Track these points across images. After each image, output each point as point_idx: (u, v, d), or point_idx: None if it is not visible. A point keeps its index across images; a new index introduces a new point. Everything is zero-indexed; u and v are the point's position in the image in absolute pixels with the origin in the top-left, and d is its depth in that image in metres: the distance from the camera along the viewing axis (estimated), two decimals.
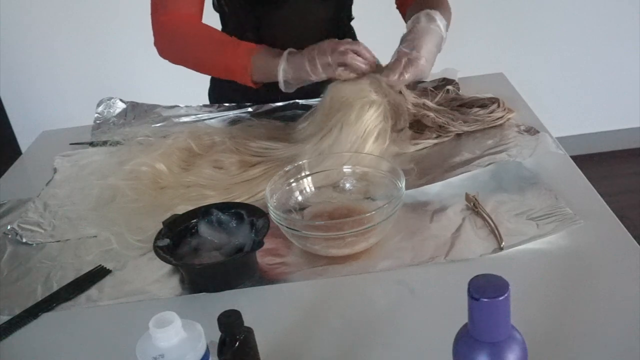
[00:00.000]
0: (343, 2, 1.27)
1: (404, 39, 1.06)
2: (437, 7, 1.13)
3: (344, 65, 1.02)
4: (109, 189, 1.02)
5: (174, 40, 1.17)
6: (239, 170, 1.03)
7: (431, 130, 1.09)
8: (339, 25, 1.28)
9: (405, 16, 1.21)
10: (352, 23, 1.33)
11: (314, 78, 1.04)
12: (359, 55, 1.03)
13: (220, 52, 1.12)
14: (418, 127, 1.09)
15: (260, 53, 1.09)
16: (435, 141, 1.07)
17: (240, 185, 0.99)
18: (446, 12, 1.16)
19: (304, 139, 1.06)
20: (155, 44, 1.18)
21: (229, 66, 1.11)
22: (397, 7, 1.29)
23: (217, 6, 1.25)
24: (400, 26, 1.25)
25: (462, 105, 1.15)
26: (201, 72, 1.21)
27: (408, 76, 1.01)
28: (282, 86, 1.08)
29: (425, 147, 1.07)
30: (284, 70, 1.06)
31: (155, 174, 1.02)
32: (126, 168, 1.05)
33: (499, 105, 1.12)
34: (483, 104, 1.14)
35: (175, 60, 1.19)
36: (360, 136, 0.99)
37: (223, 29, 1.28)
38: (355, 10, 1.32)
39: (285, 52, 1.06)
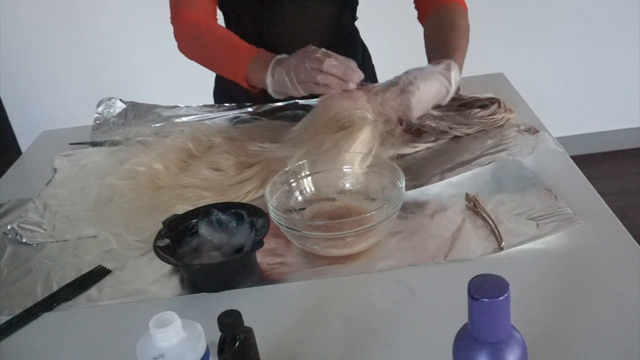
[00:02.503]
0: (345, 2, 1.27)
1: (413, 71, 1.03)
2: (458, 27, 1.13)
3: (317, 83, 1.00)
4: (107, 189, 1.02)
5: (191, 39, 1.19)
6: (235, 172, 1.02)
7: (431, 133, 1.08)
8: (342, 25, 1.28)
9: (425, 20, 1.20)
10: (357, 23, 1.33)
11: (295, 94, 1.04)
12: (330, 73, 0.99)
13: (227, 56, 1.15)
14: (417, 132, 1.09)
15: (254, 62, 1.09)
16: (434, 144, 1.07)
17: (236, 186, 0.99)
18: (466, 36, 1.15)
19: (296, 144, 1.04)
20: (177, 39, 1.20)
21: (232, 70, 1.13)
22: (415, 6, 1.26)
23: (219, 5, 1.26)
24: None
25: (463, 105, 1.15)
26: (214, 71, 1.26)
27: (399, 102, 1.00)
28: (273, 94, 1.08)
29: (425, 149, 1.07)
30: (270, 84, 1.06)
31: (153, 173, 1.02)
32: (124, 168, 1.04)
33: (499, 106, 1.12)
34: (483, 104, 1.14)
35: (191, 57, 1.21)
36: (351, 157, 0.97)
37: (227, 27, 1.28)
38: (360, 11, 1.31)
39: (271, 64, 1.05)
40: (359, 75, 1.01)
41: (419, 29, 1.23)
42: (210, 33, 1.18)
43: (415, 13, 1.25)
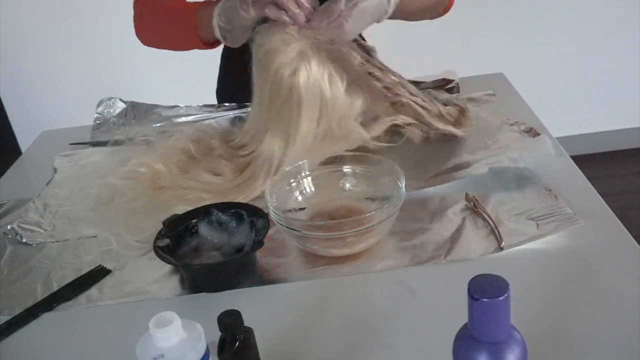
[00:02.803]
0: None
1: None
2: None
3: (274, 3, 0.95)
4: (107, 189, 1.02)
5: (144, 14, 1.16)
6: (233, 175, 1.02)
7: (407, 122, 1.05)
8: None
9: None
10: None
11: (243, 15, 0.97)
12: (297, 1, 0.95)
13: (175, 12, 1.10)
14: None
15: (205, 5, 1.04)
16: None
17: (234, 189, 0.99)
18: None
19: (264, 128, 1.01)
20: (134, 20, 1.18)
21: (182, 23, 1.08)
22: None
23: None
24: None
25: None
26: (167, 45, 1.19)
27: (324, 24, 0.96)
28: (217, 34, 1.03)
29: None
30: (218, 14, 1.00)
31: (154, 174, 1.02)
32: (125, 168, 1.04)
33: (462, 115, 1.09)
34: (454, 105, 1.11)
35: (144, 38, 1.18)
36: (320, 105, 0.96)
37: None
38: None
39: None
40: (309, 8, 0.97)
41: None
42: (163, 5, 1.13)
43: None
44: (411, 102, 1.04)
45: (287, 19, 0.96)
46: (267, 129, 1.00)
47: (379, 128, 1.04)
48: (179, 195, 0.97)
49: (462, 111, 1.10)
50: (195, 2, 1.09)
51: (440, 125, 1.05)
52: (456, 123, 1.07)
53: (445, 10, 1.22)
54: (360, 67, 1.01)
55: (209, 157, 1.08)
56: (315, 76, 0.95)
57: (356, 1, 0.96)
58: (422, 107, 1.04)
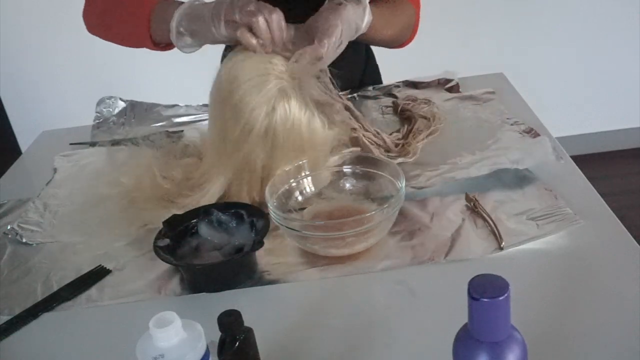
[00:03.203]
0: None
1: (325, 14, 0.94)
2: (398, 7, 1.09)
3: (250, 27, 0.88)
4: (106, 191, 1.02)
5: (97, 10, 1.09)
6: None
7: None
8: None
9: None
10: None
11: (213, 31, 0.90)
12: (268, 25, 0.88)
13: (129, 6, 1.02)
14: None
15: (163, 5, 0.97)
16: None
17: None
18: (401, 14, 1.10)
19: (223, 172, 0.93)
20: (83, 9, 1.12)
21: (133, 22, 1.00)
22: None
23: None
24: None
25: (407, 118, 1.15)
26: (113, 39, 1.10)
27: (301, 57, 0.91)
28: (173, 38, 0.95)
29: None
30: (179, 15, 0.93)
31: (151, 178, 1.00)
32: (123, 170, 1.03)
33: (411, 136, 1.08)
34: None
35: (92, 28, 1.11)
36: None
37: None
38: None
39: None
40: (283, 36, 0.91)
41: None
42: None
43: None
44: (364, 139, 1.01)
45: (258, 47, 0.90)
46: (227, 174, 0.93)
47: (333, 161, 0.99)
48: (170, 202, 0.95)
49: (434, 116, 1.12)
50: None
51: (376, 152, 1.01)
52: (401, 151, 1.04)
53: (407, 42, 1.23)
54: (324, 96, 0.96)
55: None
56: (295, 117, 0.89)
57: (339, 41, 0.93)
58: (371, 141, 1.02)
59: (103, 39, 1.12)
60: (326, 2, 1.00)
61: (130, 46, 1.09)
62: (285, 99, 0.89)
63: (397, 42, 1.20)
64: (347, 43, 0.95)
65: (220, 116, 0.93)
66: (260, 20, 0.87)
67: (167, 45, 1.03)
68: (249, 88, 0.88)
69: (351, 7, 0.96)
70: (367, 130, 1.03)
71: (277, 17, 0.89)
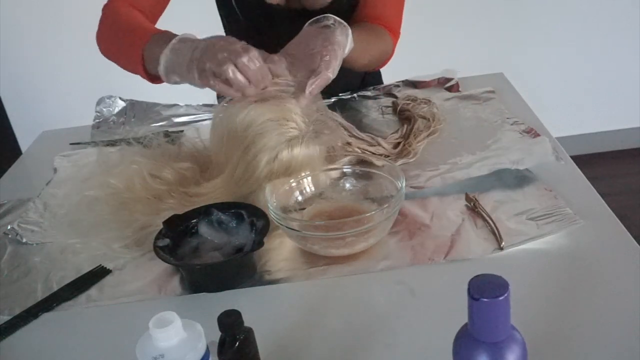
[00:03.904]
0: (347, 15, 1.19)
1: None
2: (376, 36, 1.11)
3: (223, 78, 0.86)
4: (105, 191, 1.01)
5: (105, 26, 1.09)
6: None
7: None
8: None
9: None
10: None
11: (191, 81, 0.90)
12: (242, 72, 0.85)
13: (127, 37, 1.02)
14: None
15: (154, 39, 0.96)
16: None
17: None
18: (375, 45, 1.12)
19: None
20: (96, 32, 1.12)
21: (129, 53, 1.00)
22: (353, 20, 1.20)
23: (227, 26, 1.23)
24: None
25: (407, 118, 1.15)
26: (118, 63, 1.08)
27: (314, 89, 0.91)
28: (163, 77, 0.95)
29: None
30: (164, 59, 0.92)
31: (151, 179, 1.00)
32: (121, 171, 1.03)
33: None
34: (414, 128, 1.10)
35: (102, 50, 1.11)
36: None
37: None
38: None
39: (174, 40, 0.92)
40: (269, 81, 0.90)
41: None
42: (124, 20, 1.04)
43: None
44: (360, 153, 1.00)
45: (235, 93, 0.88)
46: (229, 195, 0.93)
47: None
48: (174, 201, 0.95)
49: (433, 116, 1.12)
50: (156, 28, 1.02)
51: (377, 161, 0.99)
52: (402, 152, 1.04)
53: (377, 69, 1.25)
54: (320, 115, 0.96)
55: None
56: (296, 161, 0.89)
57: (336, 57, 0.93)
58: (367, 152, 1.01)
59: (112, 61, 1.12)
60: (306, 25, 1.00)
61: (131, 72, 1.07)
62: (290, 147, 0.88)
63: (367, 69, 1.23)
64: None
65: (232, 153, 0.92)
66: (230, 69, 0.84)
67: (160, 79, 1.01)
68: (260, 133, 0.88)
69: (339, 31, 0.97)
70: (360, 139, 1.03)
71: (248, 59, 0.85)
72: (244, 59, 0.85)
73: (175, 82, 0.95)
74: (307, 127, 0.91)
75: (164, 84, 1.00)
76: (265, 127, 0.88)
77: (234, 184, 0.92)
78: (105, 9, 1.11)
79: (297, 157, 0.89)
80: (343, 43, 0.96)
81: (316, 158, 0.92)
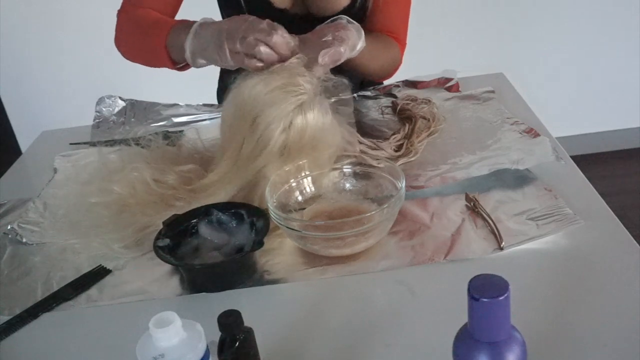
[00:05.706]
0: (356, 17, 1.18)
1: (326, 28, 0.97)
2: (385, 45, 1.13)
3: (253, 56, 0.90)
4: (104, 193, 1.01)
5: (125, 26, 1.13)
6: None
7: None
8: None
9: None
10: None
11: (220, 63, 0.93)
12: (273, 49, 0.89)
13: (151, 28, 1.06)
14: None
15: (176, 28, 1.00)
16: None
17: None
18: (385, 53, 1.14)
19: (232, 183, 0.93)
20: (115, 31, 1.16)
21: (153, 43, 1.04)
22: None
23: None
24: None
25: (407, 117, 1.15)
26: (141, 60, 1.13)
27: (327, 58, 0.92)
28: (190, 62, 0.99)
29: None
30: (190, 46, 0.96)
31: (150, 180, 1.00)
32: (122, 173, 1.03)
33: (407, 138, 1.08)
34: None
35: (125, 53, 1.15)
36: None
37: None
38: None
39: (195, 25, 0.96)
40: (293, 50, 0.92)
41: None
42: (142, 19, 1.09)
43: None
44: (365, 157, 0.99)
45: (265, 67, 0.91)
46: (237, 183, 0.92)
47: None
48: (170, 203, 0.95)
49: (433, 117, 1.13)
50: (174, 19, 1.06)
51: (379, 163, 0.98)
52: (402, 155, 1.04)
53: (387, 78, 1.28)
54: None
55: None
56: (310, 126, 0.89)
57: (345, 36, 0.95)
58: (370, 156, 1.01)
59: (136, 62, 1.16)
60: (324, 23, 1.02)
61: (156, 67, 1.12)
62: (303, 113, 0.89)
63: (379, 76, 1.27)
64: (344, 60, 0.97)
65: (237, 130, 0.93)
66: (262, 49, 0.88)
67: (187, 65, 1.05)
68: (269, 103, 0.89)
69: (352, 26, 1.00)
70: (362, 143, 1.03)
71: (278, 37, 0.89)
72: (275, 38, 0.89)
73: (202, 65, 0.99)
74: (315, 88, 0.91)
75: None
76: (273, 97, 0.89)
77: (241, 163, 0.92)
78: (121, 13, 1.15)
79: (310, 122, 0.90)
80: (355, 36, 0.98)
81: (328, 124, 0.92)
